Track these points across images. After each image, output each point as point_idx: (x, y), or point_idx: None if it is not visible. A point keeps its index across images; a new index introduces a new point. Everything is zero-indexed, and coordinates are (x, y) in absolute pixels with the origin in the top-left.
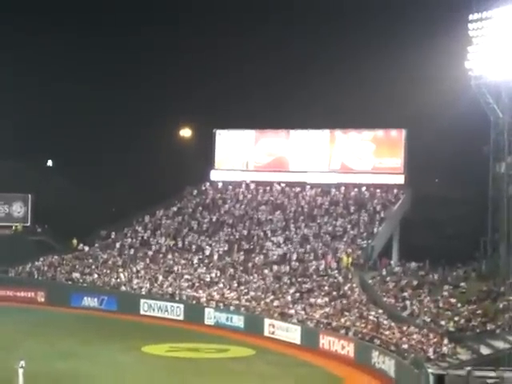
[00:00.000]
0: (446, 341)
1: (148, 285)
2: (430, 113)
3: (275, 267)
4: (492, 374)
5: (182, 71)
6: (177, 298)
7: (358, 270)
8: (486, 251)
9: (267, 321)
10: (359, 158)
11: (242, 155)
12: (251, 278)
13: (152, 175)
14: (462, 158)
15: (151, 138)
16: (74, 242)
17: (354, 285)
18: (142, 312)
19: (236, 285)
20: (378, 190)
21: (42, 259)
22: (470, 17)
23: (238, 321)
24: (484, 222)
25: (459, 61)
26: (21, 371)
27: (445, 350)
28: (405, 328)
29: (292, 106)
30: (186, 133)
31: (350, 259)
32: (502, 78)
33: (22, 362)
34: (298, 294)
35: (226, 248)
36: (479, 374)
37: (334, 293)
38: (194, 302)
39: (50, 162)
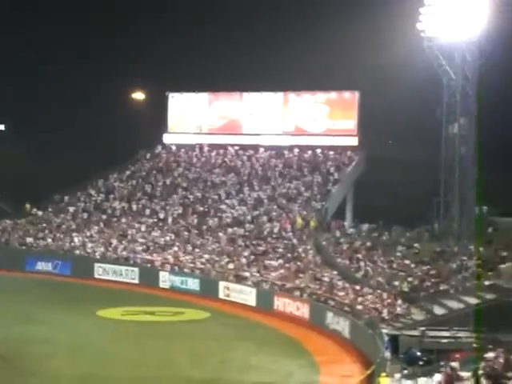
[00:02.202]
0: (399, 301)
1: (102, 249)
2: (383, 75)
3: (230, 230)
4: (445, 333)
5: (133, 34)
6: (131, 262)
7: (312, 232)
8: (438, 212)
9: (222, 283)
10: (313, 120)
11: (195, 118)
12: (206, 240)
13: (105, 139)
14: (415, 120)
15: (104, 101)
16: (28, 206)
17: (308, 247)
18: (96, 276)
19: (191, 248)
20: (332, 152)
21: None
22: None
23: (193, 284)
24: (437, 183)
25: (412, 22)
26: None
27: (399, 310)
28: (359, 289)
29: (245, 68)
30: (138, 96)
31: (312, 223)
32: (455, 40)
33: None
34: (252, 257)
35: (180, 211)
36: (433, 334)
37: (289, 255)
38: (149, 265)
39: (1, 127)
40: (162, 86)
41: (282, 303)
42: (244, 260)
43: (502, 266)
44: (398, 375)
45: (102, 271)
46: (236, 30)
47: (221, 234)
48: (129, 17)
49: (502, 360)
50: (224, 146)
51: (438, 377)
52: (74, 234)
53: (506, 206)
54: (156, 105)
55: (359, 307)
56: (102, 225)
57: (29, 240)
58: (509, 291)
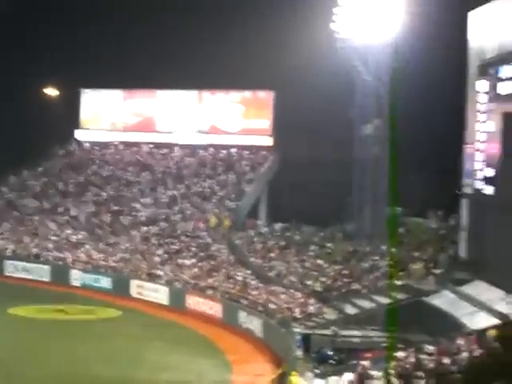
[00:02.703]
0: (312, 301)
1: (13, 246)
2: (297, 75)
3: (143, 228)
4: (357, 333)
5: (45, 28)
6: (43, 260)
7: (226, 231)
8: (351, 212)
9: (135, 282)
10: (227, 119)
11: (109, 115)
12: (119, 239)
13: (17, 135)
14: (328, 120)
15: (16, 97)
16: None
17: (222, 246)
18: (6, 273)
19: (103, 246)
20: (247, 152)
21: None
22: None
23: (106, 282)
24: (349, 183)
25: (326, 22)
26: None
27: (311, 309)
28: (272, 288)
29: (160, 66)
30: (51, 91)
31: (226, 222)
32: (368, 41)
33: None
34: (166, 255)
35: (93, 209)
36: (345, 334)
37: (202, 254)
38: (61, 263)
39: None
40: (75, 82)
41: (194, 302)
42: (157, 258)
43: (413, 266)
44: (309, 374)
45: (12, 268)
46: (152, 27)
47: (134, 233)
48: (40, 11)
49: (412, 359)
50: (138, 144)
51: (349, 376)
52: None
53: (417, 207)
54: (69, 101)
55: (272, 306)
56: (13, 222)
57: None
58: (419, 291)
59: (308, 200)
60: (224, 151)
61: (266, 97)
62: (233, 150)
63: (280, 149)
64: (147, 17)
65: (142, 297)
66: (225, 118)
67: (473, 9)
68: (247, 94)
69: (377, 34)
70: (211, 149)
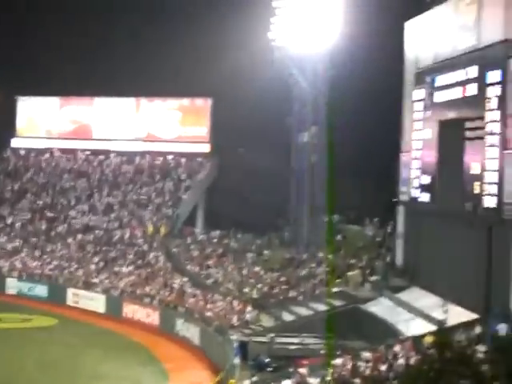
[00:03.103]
0: (249, 308)
1: None
2: (235, 82)
3: (79, 236)
4: (294, 340)
5: None
6: None
7: (163, 238)
8: (289, 219)
9: (71, 290)
10: (165, 126)
11: (45, 122)
12: (55, 247)
13: None
14: (266, 128)
15: None
16: None
17: (159, 253)
18: None
19: (39, 254)
20: (184, 159)
21: None
22: None
23: (41, 290)
24: (287, 191)
25: (263, 31)
26: None
27: (248, 317)
28: (209, 296)
29: (97, 73)
30: None
31: (163, 230)
32: (305, 50)
33: None
34: (102, 263)
35: (28, 217)
36: (282, 341)
37: (139, 261)
38: None
39: None
40: (11, 89)
41: (131, 310)
42: (93, 266)
43: (350, 273)
44: (247, 381)
45: None
46: (89, 34)
47: (70, 240)
48: None
49: (349, 366)
50: (74, 151)
51: (286, 383)
52: None
53: (354, 215)
54: (5, 108)
55: (209, 314)
56: None
57: None
58: (356, 298)
59: (245, 207)
60: (161, 158)
61: (204, 104)
62: (170, 157)
63: (217, 156)
64: (84, 24)
65: (78, 305)
66: (162, 126)
67: (409, 19)
68: (185, 101)
69: (314, 42)
70: (148, 156)
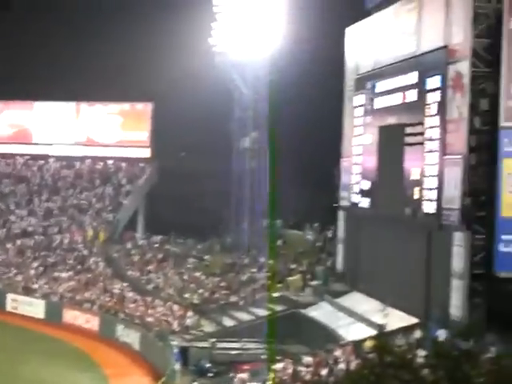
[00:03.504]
0: (190, 313)
1: None
2: (177, 87)
3: (18, 241)
4: (235, 345)
5: None
6: None
7: (103, 244)
8: (230, 224)
9: (10, 296)
10: (105, 130)
11: None
12: None
13: None
14: (208, 132)
15: None
16: None
17: (99, 258)
18: None
19: None
20: (124, 164)
21: None
22: None
23: None
24: (228, 196)
25: (204, 36)
26: None
27: (189, 322)
28: (150, 301)
29: (38, 77)
30: None
31: (102, 235)
32: (246, 56)
33: None
34: (41, 268)
35: None
36: (223, 346)
37: (79, 266)
38: None
39: None
40: None
41: (71, 316)
42: (33, 272)
43: (291, 278)
44: None
45: None
46: (29, 37)
47: (9, 245)
48: None
49: (290, 371)
50: (13, 156)
51: None
52: None
53: (295, 219)
54: None
55: (150, 319)
56: None
57: None
58: (297, 303)
59: (186, 212)
60: (101, 163)
61: (144, 109)
62: (110, 162)
63: (158, 160)
64: (24, 27)
65: (17, 311)
66: (102, 130)
67: (350, 25)
68: (125, 105)
69: (255, 47)
70: (88, 161)
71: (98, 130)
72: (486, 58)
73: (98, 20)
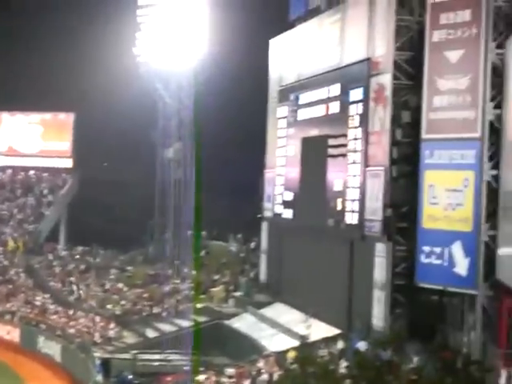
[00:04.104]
0: (112, 325)
1: None
2: (100, 96)
3: None
4: (158, 356)
5: None
6: None
7: (24, 255)
8: (153, 235)
9: None
10: (27, 140)
11: None
12: None
13: None
14: (131, 143)
15: None
16: None
17: (20, 269)
18: None
19: None
20: (46, 174)
21: None
22: (139, 2)
23: None
24: (152, 206)
25: (129, 46)
26: None
27: (111, 333)
28: (71, 312)
29: None
30: None
31: (21, 246)
32: (170, 65)
33: None
34: None
35: None
36: (145, 357)
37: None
38: None
39: None
40: None
41: None
42: None
43: (214, 289)
44: None
45: None
46: None
47: None
48: None
49: (213, 382)
50: None
51: None
52: None
53: (218, 230)
54: None
55: (71, 331)
56: None
57: None
58: (220, 314)
59: (109, 223)
60: (23, 173)
61: (66, 119)
62: (32, 172)
63: (81, 171)
64: None
65: None
66: (24, 140)
67: (274, 36)
68: (47, 115)
69: (179, 57)
70: (9, 171)
71: (20, 140)
72: (408, 71)
73: (21, 30)
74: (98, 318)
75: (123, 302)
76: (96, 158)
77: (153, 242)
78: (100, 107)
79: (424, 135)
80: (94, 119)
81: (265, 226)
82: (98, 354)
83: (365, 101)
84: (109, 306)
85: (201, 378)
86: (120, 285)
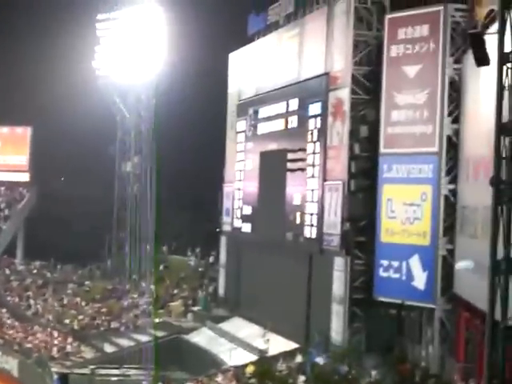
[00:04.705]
0: (70, 340)
1: None
2: (57, 110)
3: None
4: (116, 371)
5: None
6: None
7: None
8: (111, 249)
9: None
10: None
11: None
12: None
13: None
14: (90, 157)
15: None
16: None
17: None
18: None
19: None
20: (3, 188)
21: None
22: (98, 16)
23: None
24: (110, 221)
25: (87, 59)
26: None
27: (69, 348)
28: (29, 327)
29: None
30: None
31: None
32: (128, 79)
33: None
34: None
35: None
36: (103, 373)
37: None
38: None
39: None
40: None
41: None
42: None
43: (172, 303)
44: None
45: None
46: None
47: None
48: None
49: None
50: None
51: None
52: None
53: (177, 244)
54: None
55: (29, 345)
56: None
57: None
58: (179, 328)
59: (67, 237)
60: None
61: (24, 132)
62: None
63: (38, 185)
64: None
65: None
66: None
67: (233, 50)
68: (4, 129)
69: (138, 71)
70: None
71: None
72: (366, 85)
73: None
74: (55, 333)
75: (81, 317)
76: (54, 172)
77: (111, 257)
78: (58, 121)
79: (382, 149)
80: (52, 133)
81: (223, 240)
82: (55, 368)
83: (323, 115)
84: (67, 321)
85: None
86: (78, 299)
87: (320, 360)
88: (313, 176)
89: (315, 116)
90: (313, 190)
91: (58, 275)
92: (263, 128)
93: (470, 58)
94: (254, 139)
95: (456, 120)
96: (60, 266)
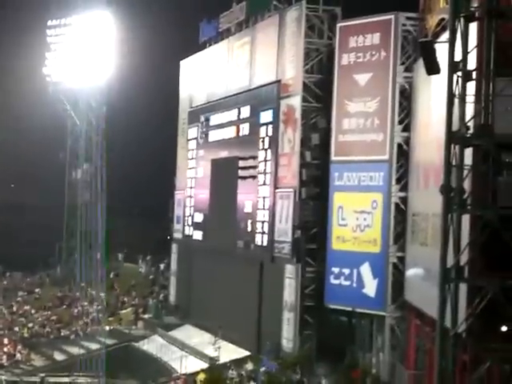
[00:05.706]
0: (19, 347)
1: None
2: (7, 117)
3: None
4: (66, 379)
5: None
6: None
7: None
8: (61, 257)
9: None
10: None
11: None
12: None
13: None
14: (39, 164)
15: None
16: None
17: None
18: None
19: None
20: None
21: None
22: (49, 23)
23: None
24: (60, 228)
25: (38, 66)
26: None
27: (18, 356)
28: None
29: None
30: None
31: None
32: (79, 86)
33: None
34: None
35: None
36: (53, 380)
37: None
38: None
39: None
40: None
41: None
42: None
43: (123, 311)
44: None
45: None
46: None
47: None
48: None
49: None
50: None
51: None
52: None
53: (128, 252)
54: None
55: None
56: None
57: None
58: (129, 336)
59: (15, 245)
60: None
61: None
62: None
63: None
64: None
65: None
66: None
67: (185, 57)
68: None
69: (87, 79)
70: None
71: None
72: (318, 93)
73: None
74: (5, 341)
75: (31, 325)
76: (2, 180)
77: (61, 264)
78: (7, 128)
79: (333, 157)
80: (1, 140)
81: (175, 247)
82: (5, 376)
83: (275, 123)
84: (16, 329)
85: None
86: (28, 307)
87: (271, 367)
88: (264, 183)
89: (267, 124)
90: (264, 198)
91: (8, 283)
92: (215, 135)
93: (420, 66)
94: (206, 146)
95: (407, 128)
96: (9, 273)
